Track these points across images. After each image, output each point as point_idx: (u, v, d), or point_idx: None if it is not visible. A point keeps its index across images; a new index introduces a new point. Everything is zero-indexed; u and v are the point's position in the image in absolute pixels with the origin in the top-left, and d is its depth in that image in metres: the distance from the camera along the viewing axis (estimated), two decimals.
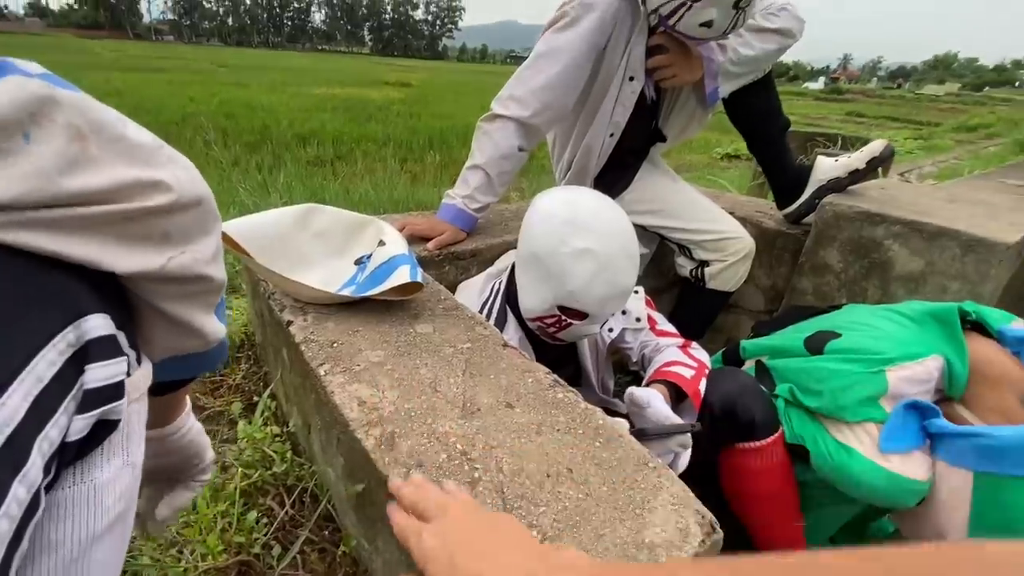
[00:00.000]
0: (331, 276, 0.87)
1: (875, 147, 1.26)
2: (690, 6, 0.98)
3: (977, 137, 12.41)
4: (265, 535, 0.68)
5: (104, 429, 0.28)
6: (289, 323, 0.77)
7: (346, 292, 0.81)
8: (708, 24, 1.00)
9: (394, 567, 0.56)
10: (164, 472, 0.50)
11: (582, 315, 0.89)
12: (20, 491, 0.22)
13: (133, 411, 0.31)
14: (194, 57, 29.13)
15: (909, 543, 0.23)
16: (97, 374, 0.26)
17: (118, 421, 0.29)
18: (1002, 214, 1.28)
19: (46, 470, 0.24)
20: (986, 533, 0.76)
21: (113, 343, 0.28)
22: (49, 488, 0.25)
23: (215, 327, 0.37)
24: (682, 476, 1.07)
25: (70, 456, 0.26)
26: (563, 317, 0.90)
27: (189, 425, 0.49)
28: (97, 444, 0.28)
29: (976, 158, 6.86)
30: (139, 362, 0.32)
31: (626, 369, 1.41)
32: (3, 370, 0.22)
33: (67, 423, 0.25)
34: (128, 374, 0.29)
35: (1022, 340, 0.84)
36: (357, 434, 0.57)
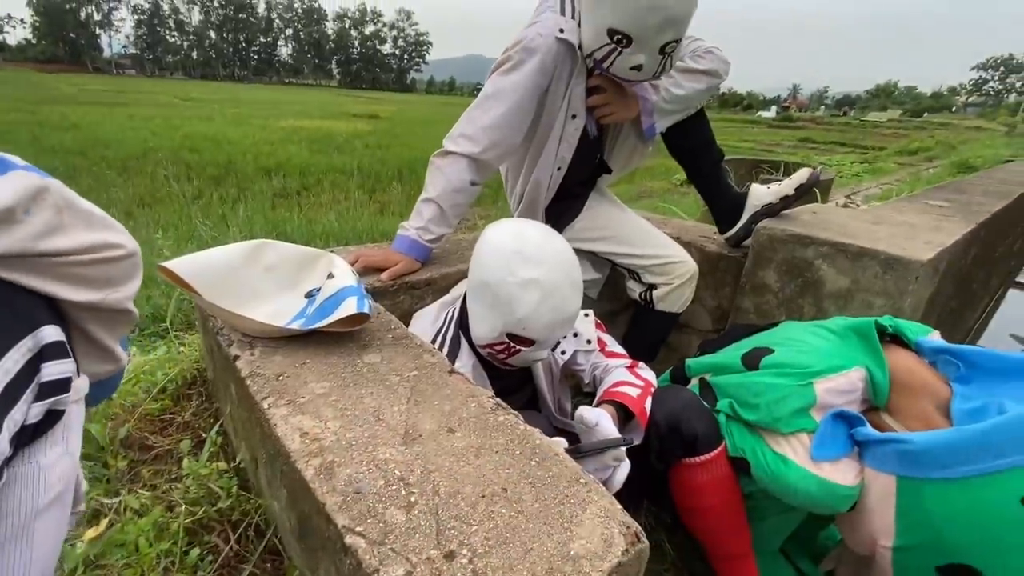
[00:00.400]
0: (281, 310, 0.88)
1: (802, 175, 1.35)
2: (620, 52, 1.06)
3: (918, 160, 13.23)
4: (209, 572, 0.68)
5: (51, 418, 0.36)
6: (236, 357, 0.78)
7: (295, 325, 0.83)
8: (638, 68, 1.08)
9: None
10: None
11: (530, 342, 0.93)
12: None
13: (74, 410, 0.39)
14: (157, 90, 28.79)
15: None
16: (52, 370, 0.35)
17: (63, 412, 0.37)
18: (921, 234, 1.39)
19: (11, 444, 0.31)
20: (912, 534, 0.80)
21: (63, 347, 0.36)
22: (7, 465, 0.32)
23: (123, 353, 0.47)
24: (639, 493, 1.11)
25: (26, 438, 0.34)
26: (512, 344, 0.93)
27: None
28: (44, 432, 0.36)
29: (917, 179, 7.30)
30: (79, 373, 0.39)
31: (583, 391, 1.44)
32: None
33: (27, 409, 0.33)
34: (73, 377, 0.37)
35: (937, 351, 0.91)
36: (298, 465, 0.58)
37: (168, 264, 0.75)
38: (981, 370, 0.86)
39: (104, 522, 0.67)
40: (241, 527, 0.74)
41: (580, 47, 1.13)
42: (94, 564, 0.66)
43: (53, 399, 0.35)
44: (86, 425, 0.83)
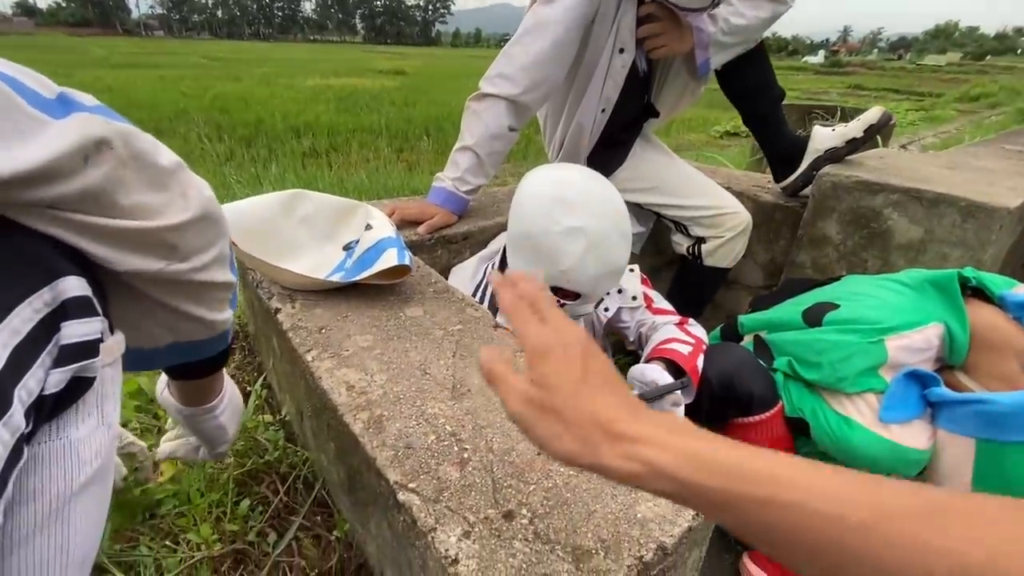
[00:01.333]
0: (319, 262, 0.86)
1: (872, 115, 1.23)
2: None
3: (980, 107, 12.24)
4: (260, 523, 0.68)
5: (80, 386, 0.31)
6: (277, 311, 0.76)
7: (335, 278, 0.80)
8: None
9: (387, 550, 0.56)
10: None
11: (575, 295, 0.88)
12: (4, 434, 0.24)
13: (107, 374, 0.33)
14: (185, 51, 28.83)
15: None
16: (74, 330, 0.29)
17: (93, 379, 0.31)
18: (1001, 179, 1.26)
19: (28, 418, 0.26)
20: None
21: (89, 304, 0.30)
22: (27, 442, 0.27)
23: (217, 317, 0.41)
24: None
25: (47, 411, 0.29)
26: (556, 299, 0.89)
27: (217, 412, 0.55)
28: (72, 402, 0.31)
29: (979, 128, 6.77)
30: (112, 331, 0.34)
31: (625, 349, 1.40)
32: None
33: (44, 376, 0.27)
34: (102, 339, 0.31)
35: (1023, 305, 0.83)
36: (345, 419, 0.56)
37: None
38: None
39: (156, 472, 0.67)
40: (289, 479, 0.74)
41: None
42: (149, 514, 0.67)
43: (78, 364, 0.29)
44: (134, 377, 0.84)
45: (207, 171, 3.83)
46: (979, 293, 0.87)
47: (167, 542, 0.65)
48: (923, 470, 0.83)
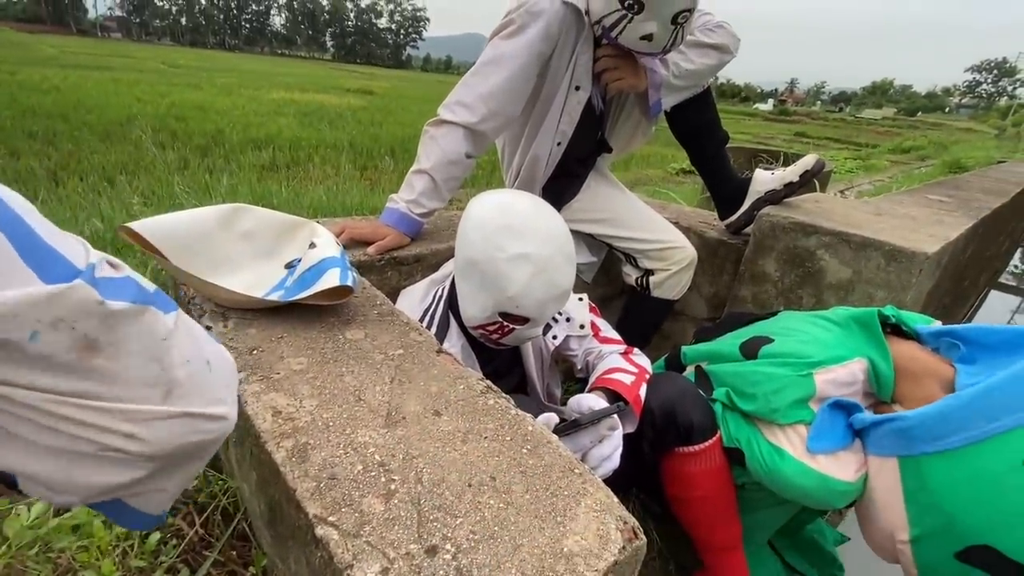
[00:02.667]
0: (258, 280, 0.82)
1: (807, 161, 1.31)
2: (631, 19, 1.00)
3: (911, 159, 13.29)
4: (171, 558, 0.63)
5: None
6: (208, 329, 0.73)
7: (273, 297, 0.78)
8: (648, 38, 1.02)
9: None
10: None
11: (524, 320, 0.88)
12: None
13: None
14: (143, 56, 27.88)
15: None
16: None
17: None
18: (923, 227, 1.36)
19: None
20: (924, 520, 0.77)
21: None
22: None
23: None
24: (628, 481, 1.08)
25: None
26: (504, 323, 0.89)
27: None
28: None
29: (909, 177, 7.33)
30: None
31: (575, 377, 1.41)
32: None
33: None
34: None
35: (938, 335, 0.88)
36: (268, 446, 0.53)
37: (131, 225, 0.69)
38: (983, 347, 0.83)
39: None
40: (208, 510, 0.69)
41: (588, 13, 1.06)
42: (45, 547, 0.61)
43: None
44: None
45: (155, 179, 3.67)
46: (898, 330, 0.93)
47: None
48: (853, 502, 0.86)
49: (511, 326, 0.89)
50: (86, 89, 9.94)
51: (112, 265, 0.32)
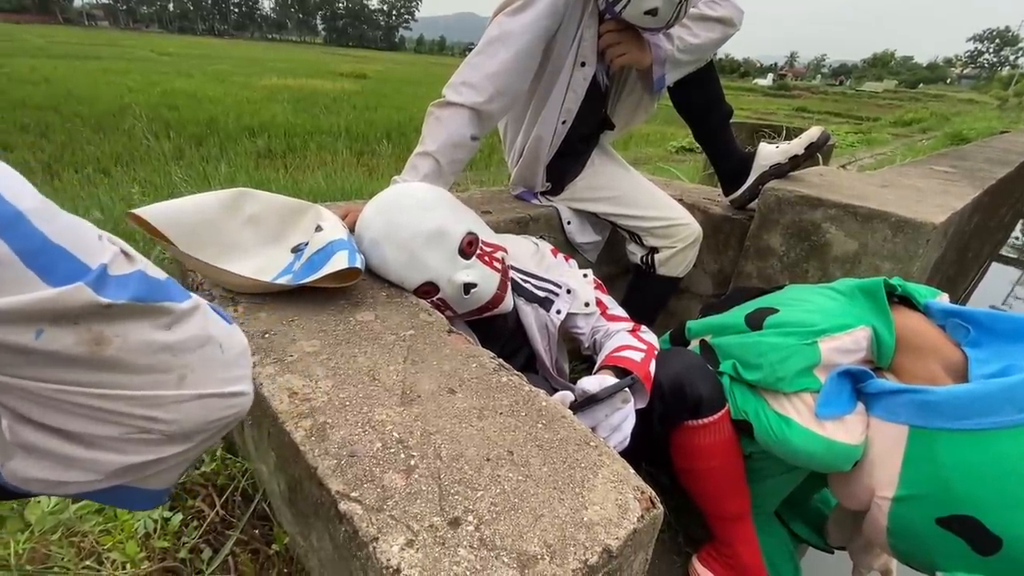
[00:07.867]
0: (266, 264, 0.82)
1: (812, 133, 1.30)
2: None
3: (912, 131, 13.16)
4: (193, 538, 0.64)
5: None
6: None
7: (282, 281, 0.77)
8: (653, 12, 1.00)
9: (329, 562, 0.54)
10: None
11: (424, 290, 0.87)
12: None
13: None
14: (132, 44, 27.44)
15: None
16: None
17: None
18: (929, 197, 1.35)
19: None
20: (916, 484, 0.79)
21: None
22: None
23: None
24: (637, 455, 1.09)
25: None
26: (428, 296, 0.88)
27: None
28: None
29: (911, 150, 7.27)
30: None
31: (582, 356, 1.41)
32: None
33: None
34: None
35: (947, 313, 0.88)
36: (287, 427, 0.54)
37: (139, 211, 0.68)
38: (992, 333, 0.84)
39: None
40: (227, 492, 0.70)
41: None
42: (68, 532, 0.62)
43: None
44: None
45: (152, 170, 3.64)
46: (906, 301, 0.93)
47: (89, 562, 0.61)
48: (857, 463, 0.87)
49: (434, 299, 0.88)
50: (76, 80, 9.82)
51: (127, 256, 0.32)
